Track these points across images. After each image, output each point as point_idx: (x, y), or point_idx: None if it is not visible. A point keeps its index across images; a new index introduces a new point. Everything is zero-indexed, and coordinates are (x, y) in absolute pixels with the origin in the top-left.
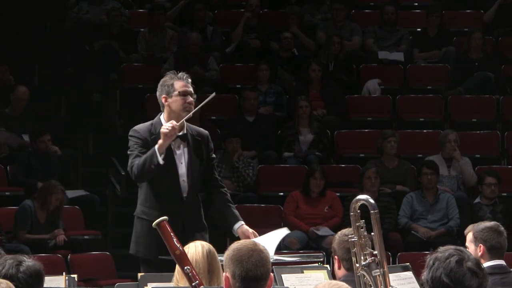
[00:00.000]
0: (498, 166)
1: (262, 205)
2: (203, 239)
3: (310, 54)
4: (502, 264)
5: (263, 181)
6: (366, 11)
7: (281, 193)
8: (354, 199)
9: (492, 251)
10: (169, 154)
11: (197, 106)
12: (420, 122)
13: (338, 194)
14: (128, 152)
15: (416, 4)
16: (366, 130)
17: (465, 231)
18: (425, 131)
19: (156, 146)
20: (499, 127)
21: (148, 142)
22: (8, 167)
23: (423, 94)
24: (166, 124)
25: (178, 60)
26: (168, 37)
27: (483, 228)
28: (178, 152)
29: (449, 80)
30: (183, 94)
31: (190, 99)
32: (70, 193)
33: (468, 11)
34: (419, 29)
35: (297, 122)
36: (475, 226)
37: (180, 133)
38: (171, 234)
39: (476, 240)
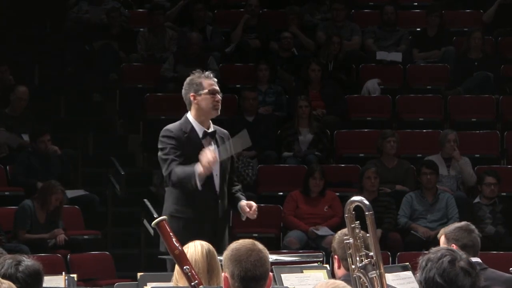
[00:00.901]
0: (497, 166)
1: (262, 205)
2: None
3: (310, 54)
4: (478, 261)
5: (262, 181)
6: (366, 11)
7: (281, 193)
8: (349, 200)
9: (466, 250)
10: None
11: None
12: (419, 122)
13: (337, 194)
14: (163, 156)
15: (416, 4)
16: (366, 130)
17: (438, 235)
18: (424, 131)
19: (197, 171)
20: (498, 127)
21: (181, 140)
22: (8, 167)
23: (423, 94)
24: (207, 157)
25: (177, 60)
26: (167, 37)
27: (453, 228)
28: (211, 148)
29: (448, 80)
30: (212, 92)
31: (218, 97)
32: (70, 193)
33: (468, 11)
34: (418, 29)
35: (296, 122)
36: (445, 229)
37: (210, 130)
38: (170, 233)
39: (448, 241)
